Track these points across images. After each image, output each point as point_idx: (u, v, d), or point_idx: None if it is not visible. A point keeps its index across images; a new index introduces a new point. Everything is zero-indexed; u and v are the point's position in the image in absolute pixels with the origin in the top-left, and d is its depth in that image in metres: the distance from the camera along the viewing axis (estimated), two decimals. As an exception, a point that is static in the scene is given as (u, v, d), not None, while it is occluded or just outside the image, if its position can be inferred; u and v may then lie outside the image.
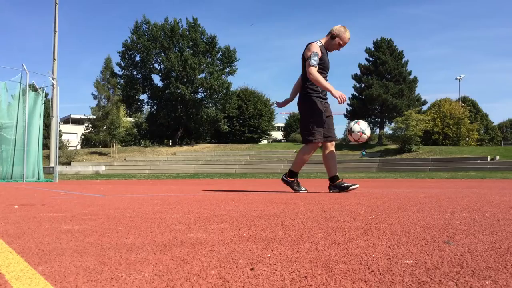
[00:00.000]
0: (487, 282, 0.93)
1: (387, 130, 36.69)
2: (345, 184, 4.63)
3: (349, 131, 4.75)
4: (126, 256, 1.26)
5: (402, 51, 38.69)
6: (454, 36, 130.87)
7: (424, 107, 38.81)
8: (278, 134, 55.92)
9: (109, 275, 1.04)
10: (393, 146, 29.18)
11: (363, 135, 4.65)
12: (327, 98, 4.67)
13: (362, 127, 4.66)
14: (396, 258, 1.19)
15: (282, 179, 4.85)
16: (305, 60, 4.51)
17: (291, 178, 4.77)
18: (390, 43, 38.57)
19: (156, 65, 36.86)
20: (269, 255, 1.25)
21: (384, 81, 36.69)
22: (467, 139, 32.86)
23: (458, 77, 46.94)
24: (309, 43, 4.54)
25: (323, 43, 4.58)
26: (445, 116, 32.35)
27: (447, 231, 1.72)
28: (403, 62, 38.29)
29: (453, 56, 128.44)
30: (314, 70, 4.39)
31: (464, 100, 49.21)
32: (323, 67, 4.51)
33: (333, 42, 4.56)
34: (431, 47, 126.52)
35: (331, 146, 4.71)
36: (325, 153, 4.70)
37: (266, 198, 3.88)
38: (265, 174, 21.78)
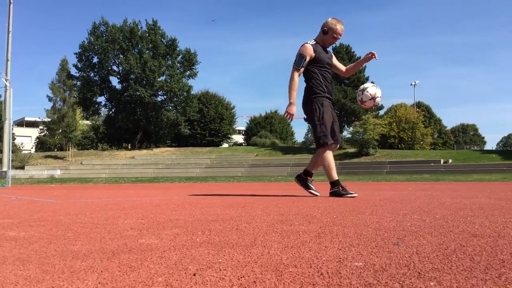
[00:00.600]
0: (431, 283, 0.95)
1: (346, 134, 37.35)
2: (312, 190, 4.58)
3: (361, 101, 4.49)
4: (70, 264, 1.21)
5: (360, 56, 39.45)
6: (409, 43, 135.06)
7: (381, 112, 39.80)
8: (239, 138, 55.93)
9: (50, 284, 0.99)
10: (352, 150, 29.73)
11: (377, 99, 4.46)
12: (331, 100, 4.57)
13: (378, 94, 4.44)
14: (346, 260, 1.20)
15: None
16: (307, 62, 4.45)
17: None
18: (348, 49, 39.32)
19: (115, 67, 36.09)
20: (220, 260, 1.23)
21: (343, 86, 37.39)
22: (421, 143, 33.88)
23: (413, 83, 48.33)
24: (302, 45, 4.45)
25: (317, 41, 4.50)
26: (401, 120, 33.27)
27: (398, 233, 1.75)
28: (361, 68, 39.17)
29: (409, 63, 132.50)
30: (295, 75, 4.32)
31: (419, 105, 50.77)
32: (321, 65, 4.43)
33: (327, 37, 4.47)
34: (387, 54, 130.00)
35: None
36: (318, 154, 4.58)
37: (224, 202, 3.86)
38: (226, 178, 21.70)
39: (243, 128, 56.92)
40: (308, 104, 4.46)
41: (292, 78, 4.33)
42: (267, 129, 45.99)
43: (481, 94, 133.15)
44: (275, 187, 9.69)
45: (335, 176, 4.45)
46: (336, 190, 4.38)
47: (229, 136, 44.95)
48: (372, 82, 4.51)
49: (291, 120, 4.39)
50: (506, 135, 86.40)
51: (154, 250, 1.40)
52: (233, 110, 44.64)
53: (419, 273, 1.04)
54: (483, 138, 74.00)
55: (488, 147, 69.95)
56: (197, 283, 0.97)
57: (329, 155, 4.43)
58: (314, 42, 4.48)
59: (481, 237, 1.61)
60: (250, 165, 27.45)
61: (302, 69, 4.36)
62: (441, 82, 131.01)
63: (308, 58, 4.36)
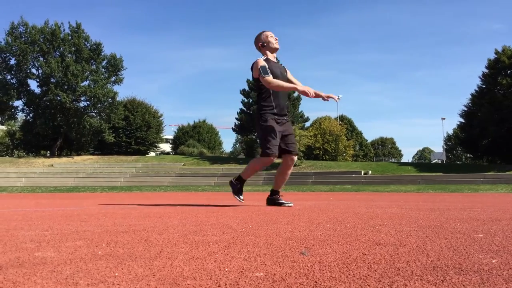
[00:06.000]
0: (325, 292, 0.95)
1: (273, 144, 37.98)
2: (280, 200, 4.67)
3: None
4: None
5: (287, 69, 40.47)
6: (333, 59, 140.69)
7: (307, 124, 40.97)
8: (166, 147, 54.93)
9: None
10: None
11: None
12: (286, 115, 4.59)
13: None
14: (248, 271, 1.18)
15: (230, 181, 4.81)
16: (258, 80, 4.42)
17: (237, 180, 4.69)
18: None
19: (34, 70, 34.12)
20: (116, 273, 1.16)
21: (271, 97, 38.09)
22: (344, 154, 35.21)
23: (337, 97, 50.18)
24: (253, 63, 4.46)
25: (265, 55, 4.53)
26: (325, 132, 34.37)
27: (307, 242, 1.77)
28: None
29: (333, 77, 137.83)
30: (270, 79, 4.30)
31: (342, 118, 52.82)
32: (275, 77, 4.41)
33: (268, 46, 4.55)
34: (313, 68, 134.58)
35: (290, 162, 4.73)
36: (281, 167, 4.74)
37: (142, 212, 3.73)
38: (151, 187, 21.20)
39: (170, 137, 56.03)
40: (256, 119, 4.52)
41: (271, 82, 4.31)
42: (195, 139, 45.61)
43: (397, 110, 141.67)
44: (200, 197, 9.58)
45: (247, 178, 4.71)
46: (236, 189, 4.68)
47: (156, 144, 44.04)
48: None
49: (314, 95, 4.47)
50: (421, 148, 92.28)
51: (47, 264, 1.30)
52: (160, 118, 43.85)
53: (316, 282, 1.04)
54: (400, 151, 78.49)
55: (404, 159, 74.22)
56: (83, 300, 0.91)
57: (263, 165, 4.64)
58: (265, 57, 4.51)
59: (383, 246, 1.66)
60: (177, 175, 27.04)
61: (271, 75, 4.33)
62: (362, 97, 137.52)
63: (260, 62, 4.38)
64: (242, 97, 39.57)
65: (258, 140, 4.94)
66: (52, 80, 32.68)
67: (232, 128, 40.86)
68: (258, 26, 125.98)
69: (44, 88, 33.50)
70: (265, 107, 4.43)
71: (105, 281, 1.07)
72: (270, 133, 4.40)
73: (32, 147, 38.32)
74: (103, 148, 39.00)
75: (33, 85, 34.86)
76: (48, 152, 37.71)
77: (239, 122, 39.45)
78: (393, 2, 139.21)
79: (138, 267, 1.26)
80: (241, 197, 4.69)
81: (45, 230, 2.31)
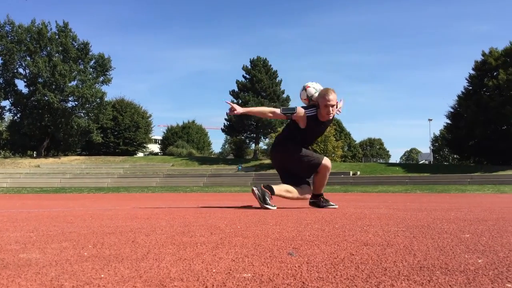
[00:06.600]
0: (312, 293, 0.95)
1: (262, 145, 38.10)
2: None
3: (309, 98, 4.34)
4: None
5: (276, 70, 40.51)
6: (320, 59, 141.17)
7: (296, 125, 41.01)
8: (155, 147, 54.70)
9: None
10: (268, 161, 30.21)
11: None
12: None
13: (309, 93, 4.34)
14: (235, 272, 1.18)
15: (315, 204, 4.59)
16: (294, 123, 4.29)
17: (315, 198, 4.58)
18: (265, 62, 40.16)
19: (21, 70, 33.80)
20: (102, 275, 1.15)
21: (260, 98, 38.04)
22: (332, 155, 35.31)
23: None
24: (304, 107, 4.28)
25: (316, 114, 4.23)
26: (314, 133, 34.44)
27: (295, 242, 1.77)
28: (277, 81, 40.08)
29: (320, 78, 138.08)
30: (275, 110, 4.20)
31: (331, 119, 52.93)
32: (309, 136, 4.39)
33: (321, 113, 4.21)
34: (300, 69, 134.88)
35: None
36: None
37: (129, 213, 3.71)
38: (139, 188, 21.07)
39: (159, 137, 55.80)
40: (283, 147, 4.43)
41: (267, 109, 4.27)
42: (184, 139, 45.49)
43: (385, 110, 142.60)
44: (189, 198, 9.56)
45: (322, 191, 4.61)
46: (318, 202, 4.56)
47: (145, 145, 43.81)
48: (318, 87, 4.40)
49: (231, 111, 4.13)
50: (408, 149, 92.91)
51: (32, 266, 1.29)
52: (149, 119, 43.65)
53: (304, 283, 1.04)
54: (388, 151, 78.97)
55: (392, 160, 74.58)
56: (68, 302, 0.89)
57: (328, 172, 4.52)
58: (315, 113, 4.23)
59: (371, 246, 1.67)
60: (165, 175, 26.93)
61: (282, 115, 4.19)
62: (350, 98, 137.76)
63: (298, 115, 4.17)
64: (231, 97, 39.53)
65: (294, 163, 4.51)
66: (40, 80, 32.38)
67: (221, 128, 40.80)
68: (249, 26, 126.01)
69: (31, 88, 33.17)
70: (294, 143, 4.36)
71: (90, 282, 1.06)
72: (303, 152, 4.35)
73: (19, 148, 37.89)
74: (90, 149, 38.70)
75: (21, 85, 34.57)
76: (34, 152, 37.32)
77: (228, 122, 39.41)
78: (380, 2, 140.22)
79: (124, 268, 1.24)
80: (331, 203, 4.57)
81: (31, 231, 2.28)
